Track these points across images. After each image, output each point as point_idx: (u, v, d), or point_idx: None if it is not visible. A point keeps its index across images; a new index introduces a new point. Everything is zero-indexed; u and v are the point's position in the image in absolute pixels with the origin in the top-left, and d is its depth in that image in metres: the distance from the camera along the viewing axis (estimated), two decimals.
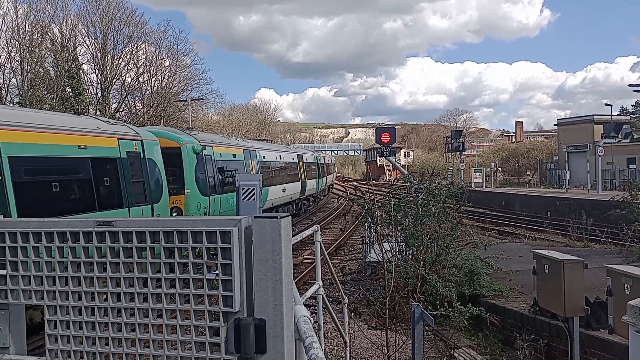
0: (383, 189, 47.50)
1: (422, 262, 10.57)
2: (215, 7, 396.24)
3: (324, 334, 8.09)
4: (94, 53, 40.27)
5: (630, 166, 48.25)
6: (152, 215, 12.91)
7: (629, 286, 6.99)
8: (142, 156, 13.15)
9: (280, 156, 28.08)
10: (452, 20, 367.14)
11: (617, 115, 59.79)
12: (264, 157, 24.41)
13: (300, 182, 30.86)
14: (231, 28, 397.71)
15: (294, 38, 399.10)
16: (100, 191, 11.54)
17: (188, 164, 16.01)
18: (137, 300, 2.16)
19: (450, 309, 9.10)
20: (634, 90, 43.68)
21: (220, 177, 18.13)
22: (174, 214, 14.75)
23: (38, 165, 10.11)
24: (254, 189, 6.56)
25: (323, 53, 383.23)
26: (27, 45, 33.36)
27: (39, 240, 2.23)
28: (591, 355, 8.11)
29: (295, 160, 31.28)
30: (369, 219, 13.15)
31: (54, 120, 11.11)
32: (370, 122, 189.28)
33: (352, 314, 10.96)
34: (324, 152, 74.07)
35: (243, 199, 6.54)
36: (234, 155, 20.46)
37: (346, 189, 56.46)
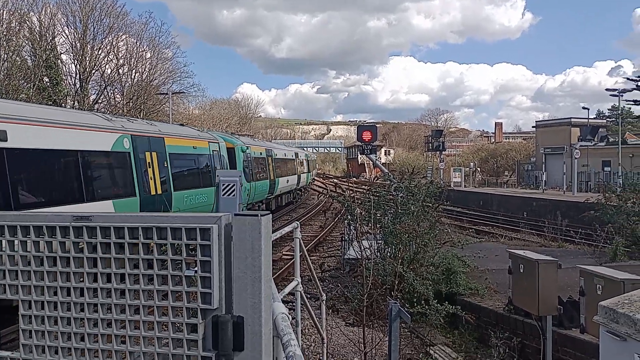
0: (363, 186, 47.69)
1: (400, 260, 10.66)
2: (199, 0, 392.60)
3: (301, 330, 8.12)
4: (73, 43, 39.60)
5: (605, 169, 49.25)
6: None
7: (600, 287, 7.15)
8: (219, 153, 20.32)
9: (285, 154, 35.30)
10: (435, 21, 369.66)
11: (594, 118, 60.91)
12: (276, 154, 31.63)
13: (296, 175, 37.81)
14: (214, 21, 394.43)
15: (277, 33, 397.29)
16: (203, 175, 18.51)
17: (239, 159, 22.97)
18: (114, 296, 2.15)
19: (427, 307, 9.20)
20: (610, 95, 44.60)
21: (256, 170, 25.38)
22: None
23: (179, 159, 16.87)
24: (234, 184, 6.53)
25: (306, 49, 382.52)
26: (4, 33, 32.63)
27: (14, 234, 2.20)
28: (563, 353, 8.29)
29: (293, 157, 38.04)
30: (349, 217, 13.21)
31: (184, 131, 18.76)
32: (352, 119, 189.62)
33: (330, 310, 11.00)
34: (306, 148, 74.10)
35: (223, 195, 6.51)
36: (261, 153, 27.79)
37: (326, 186, 56.53)
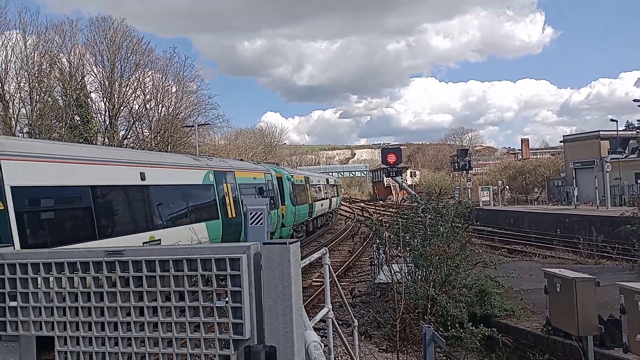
0: (390, 209, 47.36)
1: (432, 283, 10.48)
2: (220, 33, 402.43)
3: (334, 358, 8.01)
4: (102, 81, 40.88)
5: (639, 181, 47.93)
6: (277, 214, 23.44)
7: None
8: (272, 182, 23.72)
9: (319, 180, 39.14)
10: (454, 40, 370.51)
11: (623, 130, 59.56)
12: (312, 181, 35.21)
13: (329, 200, 41.31)
14: (236, 53, 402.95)
15: (298, 62, 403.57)
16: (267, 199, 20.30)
17: (286, 186, 26.21)
18: (147, 329, 2.16)
19: (461, 330, 8.99)
20: (638, 106, 43.65)
21: (299, 195, 28.97)
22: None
23: (246, 188, 19.98)
24: (261, 213, 6.56)
25: (327, 75, 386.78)
26: (36, 75, 33.93)
27: (49, 271, 2.24)
28: None
29: (325, 183, 41.77)
30: (377, 240, 13.10)
31: (246, 165, 22.71)
32: (375, 142, 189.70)
33: (362, 336, 10.84)
34: (331, 173, 74.24)
35: (251, 224, 6.53)
36: (301, 181, 31.37)
37: (353, 210, 56.33)
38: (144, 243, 12.49)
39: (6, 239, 9.05)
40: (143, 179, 13.23)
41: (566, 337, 8.78)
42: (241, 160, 27.58)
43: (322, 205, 36.96)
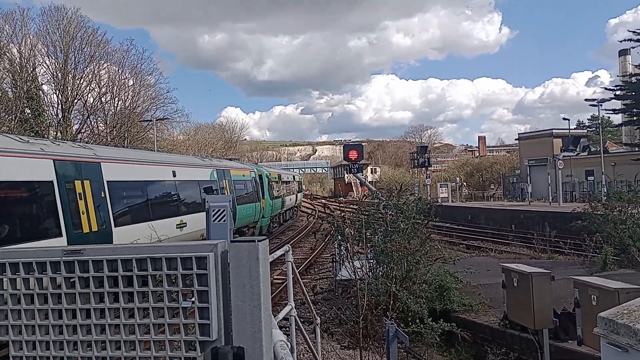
0: (352, 205, 47.68)
1: (393, 279, 10.59)
2: (180, 25, 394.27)
3: (297, 356, 7.98)
4: (55, 73, 39.47)
5: (589, 178, 49.84)
6: (259, 206, 26.94)
7: (595, 297, 7.14)
8: (255, 178, 27.18)
9: (287, 177, 41.92)
10: (415, 38, 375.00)
11: (575, 129, 61.86)
12: (282, 178, 37.91)
13: (295, 195, 44.56)
14: (196, 47, 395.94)
15: (259, 56, 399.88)
16: (250, 194, 25.74)
17: (265, 183, 29.40)
18: (108, 332, 2.07)
19: (422, 326, 9.11)
20: (590, 105, 45.40)
21: (274, 191, 32.41)
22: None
23: (238, 184, 23.94)
24: (224, 210, 6.46)
25: (289, 71, 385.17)
26: None
27: (3, 271, 2.12)
28: None
29: (292, 180, 44.42)
30: (339, 237, 13.13)
31: (237, 164, 26.84)
32: (337, 139, 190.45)
33: (325, 334, 10.86)
34: (292, 169, 74.07)
35: (214, 221, 6.42)
36: (275, 177, 34.37)
37: (314, 207, 56.41)
38: (177, 225, 16.28)
39: (106, 220, 12.80)
40: (174, 176, 17.37)
41: (522, 330, 9.02)
42: (230, 159, 31.84)
43: (290, 199, 40.93)
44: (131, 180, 14.63)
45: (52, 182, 11.17)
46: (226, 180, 22.31)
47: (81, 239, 11.50)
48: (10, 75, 35.46)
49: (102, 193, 12.89)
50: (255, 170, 28.62)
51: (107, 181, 13.11)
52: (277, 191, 33.98)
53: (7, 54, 35.48)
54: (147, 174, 15.49)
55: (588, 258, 16.52)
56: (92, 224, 12.19)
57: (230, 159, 31.61)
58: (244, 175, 25.70)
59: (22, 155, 10.66)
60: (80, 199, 11.99)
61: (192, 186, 18.58)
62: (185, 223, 16.75)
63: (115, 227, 13.05)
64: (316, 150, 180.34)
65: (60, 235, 11.07)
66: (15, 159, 10.37)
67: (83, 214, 11.96)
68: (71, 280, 2.11)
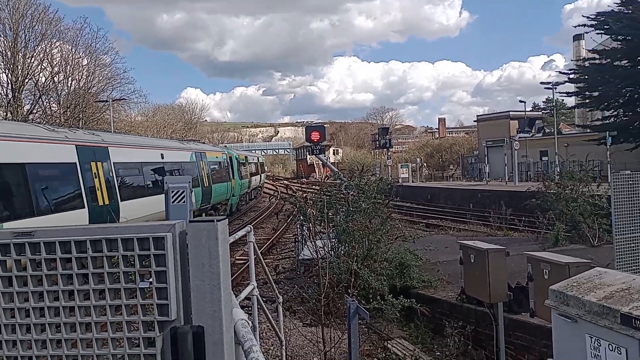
0: (314, 186, 47.80)
1: (354, 258, 10.72)
2: (136, 4, 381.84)
3: (259, 334, 8.02)
4: (4, 52, 37.62)
5: (543, 158, 51.45)
6: (230, 186, 29.62)
7: (547, 271, 7.44)
8: (226, 160, 30.03)
9: (252, 158, 44.63)
10: (377, 21, 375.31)
11: (531, 111, 63.48)
12: (249, 160, 40.58)
13: (259, 175, 46.90)
14: (153, 26, 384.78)
15: (219, 37, 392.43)
16: (223, 175, 28.56)
17: (234, 165, 31.76)
18: (62, 315, 2.03)
19: (382, 302, 9.29)
20: (545, 88, 46.70)
21: (243, 171, 35.04)
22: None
23: (212, 164, 26.59)
24: (184, 191, 6.37)
25: (250, 52, 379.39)
26: None
27: None
28: (515, 337, 8.57)
29: (257, 161, 46.88)
30: (301, 217, 13.18)
31: (210, 147, 30.23)
32: (299, 120, 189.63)
33: (287, 312, 10.95)
34: (254, 151, 73.60)
35: (173, 202, 6.33)
36: (243, 160, 36.85)
37: (277, 188, 56.30)
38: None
39: (115, 195, 15.22)
40: (162, 157, 20.07)
41: (479, 304, 9.33)
42: (204, 143, 35.64)
43: (256, 179, 43.72)
44: (131, 162, 17.22)
45: (75, 163, 13.66)
46: (203, 162, 25.11)
47: (99, 210, 14.10)
48: None
49: (110, 172, 15.44)
50: (226, 152, 31.49)
51: (114, 162, 15.70)
52: (244, 172, 36.42)
53: None
54: (143, 157, 18.34)
55: (541, 235, 17.14)
56: (105, 199, 14.68)
57: (194, 141, 32.74)
58: (217, 157, 28.49)
59: (52, 142, 13.12)
60: (96, 177, 14.49)
61: (176, 167, 21.55)
62: None
63: (121, 201, 15.58)
64: (278, 131, 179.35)
65: (83, 207, 13.60)
66: (47, 144, 12.82)
67: (98, 190, 14.38)
68: (22, 263, 2.05)
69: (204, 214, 26.98)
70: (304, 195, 20.86)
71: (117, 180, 15.56)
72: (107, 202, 14.64)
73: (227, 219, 2.10)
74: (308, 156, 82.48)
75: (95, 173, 14.42)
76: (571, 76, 47.64)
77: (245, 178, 36.07)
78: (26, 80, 38.61)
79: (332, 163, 45.30)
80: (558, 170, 29.92)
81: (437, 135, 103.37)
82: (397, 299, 9.26)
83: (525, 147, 48.51)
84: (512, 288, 8.94)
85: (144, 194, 17.30)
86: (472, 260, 9.13)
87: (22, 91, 38.50)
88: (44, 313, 2.03)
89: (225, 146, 51.04)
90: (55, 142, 13.22)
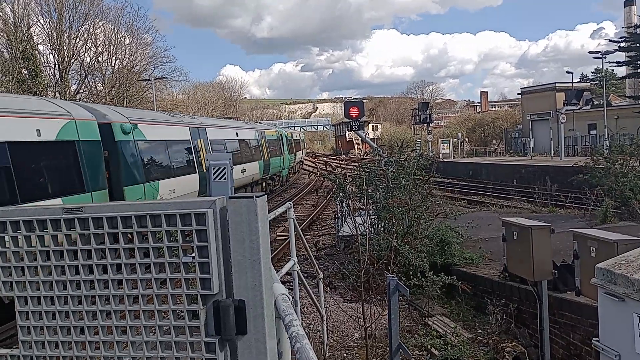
0: (353, 163, 47.70)
1: (394, 234, 10.69)
2: None
3: (300, 310, 8.16)
4: (50, 32, 38.79)
5: (591, 132, 49.60)
6: (282, 159, 33.10)
7: (594, 249, 7.22)
8: (280, 138, 34.34)
9: (295, 136, 48.40)
10: None
11: (578, 82, 61.14)
12: (294, 137, 45.12)
13: (301, 151, 51.38)
14: (192, 4, 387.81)
15: (257, 12, 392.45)
16: (278, 149, 33.49)
17: (284, 142, 36.29)
18: (111, 287, 2.11)
19: (423, 279, 9.27)
20: (594, 57, 44.65)
21: (290, 148, 39.33)
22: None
23: (270, 142, 31.47)
24: (225, 168, 6.46)
25: (288, 27, 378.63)
26: None
27: (4, 229, 2.14)
28: (559, 316, 8.41)
29: (298, 138, 50.56)
30: (341, 194, 13.21)
31: (268, 127, 35.81)
32: (337, 96, 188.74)
33: (328, 288, 11.07)
34: (293, 128, 73.85)
35: (214, 179, 6.44)
36: (290, 137, 40.94)
37: (316, 165, 56.47)
38: (258, 166, 26.78)
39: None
40: (237, 135, 24.84)
41: (522, 282, 9.18)
42: (260, 122, 41.30)
43: (298, 155, 47.58)
44: (219, 139, 21.75)
45: (189, 140, 18.45)
46: (263, 139, 29.59)
47: (203, 175, 17.97)
48: (5, 35, 34.88)
49: (208, 147, 19.96)
50: (278, 131, 36.31)
51: (210, 139, 20.36)
52: (292, 148, 41.02)
53: (1, 13, 34.78)
54: (226, 135, 23.22)
55: (589, 211, 16.63)
56: (205, 167, 18.20)
57: (260, 122, 40.51)
58: (272, 135, 32.82)
59: (177, 124, 18.44)
60: (200, 150, 19.08)
61: (246, 142, 26.07)
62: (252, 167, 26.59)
63: None
64: (317, 108, 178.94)
65: (195, 172, 18.05)
66: (175, 127, 18.19)
67: (202, 159, 18.60)
68: (72, 238, 2.13)
69: (264, 183, 30.96)
70: (343, 172, 20.89)
71: (286, 146, 25.66)
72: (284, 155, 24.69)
73: (265, 196, 2.11)
74: (347, 132, 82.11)
75: (200, 147, 19.19)
76: (622, 44, 45.45)
77: (292, 153, 40.19)
78: (72, 61, 39.76)
79: (371, 139, 45.03)
80: (607, 144, 28.84)
81: (479, 109, 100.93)
82: (438, 276, 9.21)
83: (572, 120, 46.82)
84: (557, 266, 8.74)
85: (289, 152, 27.25)
86: (515, 238, 8.95)
87: (68, 71, 39.70)
88: (94, 286, 2.12)
89: (259, 122, 53.63)
90: (178, 125, 18.46)
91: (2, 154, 9.52)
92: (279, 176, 33.47)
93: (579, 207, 18.42)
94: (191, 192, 17.62)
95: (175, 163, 17.29)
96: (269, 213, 5.30)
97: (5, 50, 34.84)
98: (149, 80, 42.07)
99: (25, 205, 8.44)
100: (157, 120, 17.58)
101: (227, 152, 21.08)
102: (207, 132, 20.36)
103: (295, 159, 43.38)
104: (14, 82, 32.48)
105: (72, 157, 11.74)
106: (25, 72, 34.86)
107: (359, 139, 62.32)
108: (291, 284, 6.61)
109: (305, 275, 10.44)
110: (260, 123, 39.92)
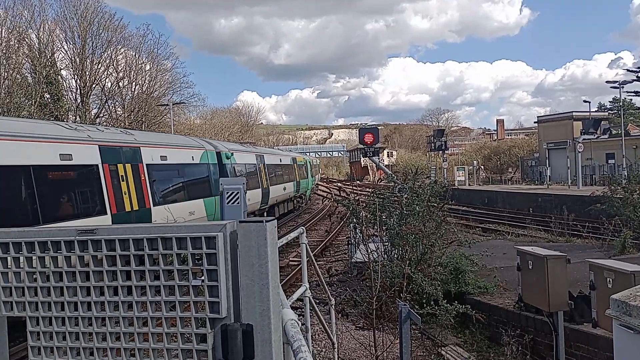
0: (367, 189, 47.57)
1: (407, 261, 10.61)
2: (196, 10, 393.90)
3: (311, 336, 8.07)
4: (73, 58, 39.80)
5: (609, 161, 49.03)
6: (307, 182, 40.83)
7: (611, 280, 7.09)
8: (306, 164, 41.77)
9: (315, 161, 53.18)
10: (433, 21, 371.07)
11: (596, 111, 60.73)
12: (313, 162, 48.99)
13: (318, 175, 55.28)
14: (212, 31, 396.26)
15: (275, 40, 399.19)
16: (305, 173, 41.65)
17: (309, 167, 42.57)
18: (121, 309, 2.13)
19: (436, 307, 9.14)
20: (611, 87, 44.44)
21: (312, 171, 44.93)
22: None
23: (300, 166, 38.45)
24: (238, 192, 6.51)
25: (305, 54, 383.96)
26: (4, 51, 32.82)
27: (19, 250, 2.19)
28: (576, 349, 8.22)
29: (316, 164, 55.55)
30: (354, 220, 13.17)
31: (299, 155, 43.78)
32: (353, 122, 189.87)
33: (339, 315, 10.96)
34: (308, 153, 74.24)
35: (227, 203, 6.49)
36: (311, 162, 45.95)
37: (330, 190, 56.44)
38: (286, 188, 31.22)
39: (268, 184, 25.98)
40: (280, 160, 31.03)
41: (537, 313, 9.00)
42: (290, 151, 48.37)
43: (316, 178, 53.43)
44: (271, 163, 28.36)
45: (255, 164, 25.51)
46: (295, 164, 35.68)
47: (265, 192, 25.49)
48: (30, 60, 35.86)
49: (266, 169, 26.83)
50: (306, 158, 44.21)
51: (267, 164, 27.60)
52: (313, 172, 47.35)
53: (26, 39, 35.82)
54: (273, 160, 29.62)
55: (606, 242, 16.34)
56: (264, 184, 26.23)
57: (253, 144, 44.79)
58: (301, 161, 39.38)
59: (250, 152, 25.31)
60: (261, 171, 26.02)
61: (286, 166, 32.47)
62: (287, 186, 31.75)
63: (270, 186, 27.08)
64: (332, 134, 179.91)
65: (259, 188, 24.86)
66: (249, 154, 25.37)
67: (264, 179, 26.46)
68: (85, 259, 2.17)
69: (295, 199, 36.02)
70: (357, 197, 20.92)
71: (269, 174, 26.98)
72: (265, 186, 25.22)
73: (275, 220, 2.14)
74: (362, 158, 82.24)
75: (262, 169, 25.44)
76: None
77: (313, 176, 47.19)
78: (93, 86, 40.68)
79: (386, 165, 45.05)
80: (625, 173, 28.44)
81: (495, 137, 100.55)
82: (452, 305, 9.08)
83: (590, 149, 46.38)
84: (574, 297, 8.58)
85: (278, 182, 29.07)
86: (530, 267, 8.82)
87: (89, 96, 40.58)
88: (104, 307, 2.14)
89: (273, 147, 56.53)
90: (251, 153, 25.13)
91: (182, 169, 17.12)
92: (305, 195, 40.59)
93: (597, 237, 18.12)
94: (255, 202, 23.89)
95: (250, 179, 22.72)
96: (281, 238, 5.31)
97: (29, 75, 35.76)
98: (167, 105, 42.76)
99: (189, 201, 16.81)
100: (239, 149, 24.92)
101: (278, 174, 29.25)
102: (264, 158, 27.34)
103: (315, 181, 50.90)
104: (36, 105, 33.25)
105: (206, 173, 18.82)
106: (48, 96, 35.69)
107: (374, 165, 62.20)
108: (302, 309, 6.57)
109: (317, 301, 10.37)
110: (290, 151, 46.82)
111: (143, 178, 14.39)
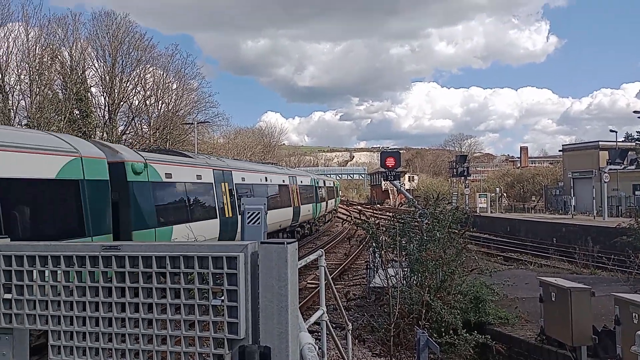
0: (387, 213, 47.31)
1: (427, 288, 10.45)
2: (223, 31, 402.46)
3: None
4: (103, 76, 40.80)
5: (636, 193, 47.99)
6: (333, 202, 46.47)
7: (637, 315, 6.88)
8: (333, 187, 48.53)
9: (331, 183, 52.30)
10: (458, 47, 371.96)
11: (623, 141, 59.69)
12: (327, 183, 48.19)
13: (334, 199, 53.54)
14: (238, 52, 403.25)
15: (300, 62, 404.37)
16: (332, 194, 48.08)
17: (336, 189, 51.21)
18: (141, 326, 2.15)
19: (455, 337, 8.97)
20: (639, 117, 43.77)
21: (329, 194, 44.19)
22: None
23: (329, 188, 44.44)
24: (259, 212, 6.54)
25: (329, 77, 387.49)
26: (37, 67, 33.84)
27: (45, 264, 2.23)
28: None
29: (333, 185, 54.40)
30: (374, 244, 13.07)
31: (327, 179, 49.75)
32: (375, 146, 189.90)
33: (356, 340, 10.81)
34: (329, 175, 74.46)
35: (248, 223, 6.52)
36: (330, 185, 46.87)
37: (350, 213, 56.26)
38: (311, 208, 32.39)
39: (319, 201, 36.05)
40: (317, 183, 35.37)
41: (560, 346, 8.77)
42: (323, 174, 54.59)
43: (335, 201, 53.17)
44: (318, 185, 35.91)
45: (313, 186, 34.81)
46: (324, 187, 39.20)
47: (319, 207, 35.39)
48: (61, 77, 36.87)
49: (317, 190, 35.21)
50: (333, 182, 49.17)
51: (317, 187, 35.58)
52: (331, 195, 48.51)
53: (59, 56, 36.90)
54: (320, 182, 37.05)
55: (632, 275, 15.90)
56: (317, 201, 35.49)
57: (274, 164, 43.92)
58: (330, 184, 44.41)
59: (306, 175, 34.49)
60: (316, 191, 35.26)
61: (320, 188, 36.62)
62: (314, 207, 33.91)
63: (319, 202, 35.29)
64: (354, 156, 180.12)
65: (314, 203, 33.71)
66: (308, 177, 34.30)
67: (321, 198, 36.91)
68: (108, 275, 2.20)
69: (325, 217, 39.89)
70: (377, 221, 20.89)
71: (321, 193, 34.11)
72: (296, 205, 28.21)
73: (297, 242, 2.14)
74: (382, 182, 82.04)
75: (316, 190, 32.88)
76: None
77: (335, 198, 49.88)
78: (121, 103, 41.56)
79: (407, 190, 44.83)
80: None
81: (519, 165, 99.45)
82: (471, 334, 8.90)
83: (616, 179, 45.51)
84: (598, 331, 8.33)
85: (321, 200, 35.42)
86: (554, 299, 8.62)
87: (117, 113, 41.45)
88: (124, 324, 2.16)
89: (294, 168, 58.52)
90: (284, 175, 27.86)
91: (256, 188, 21.42)
92: (331, 213, 45.66)
93: (623, 270, 17.63)
94: (287, 219, 26.71)
95: (305, 198, 30.32)
96: (300, 260, 5.29)
97: (60, 91, 36.75)
98: (192, 124, 43.40)
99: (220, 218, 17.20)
100: (277, 172, 27.87)
101: (310, 195, 32.17)
102: (296, 180, 30.02)
103: (336, 203, 53.88)
104: (65, 121, 34.07)
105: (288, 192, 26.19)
106: (77, 112, 36.57)
107: (395, 189, 61.99)
108: (319, 333, 6.51)
109: (334, 325, 10.27)
110: (320, 175, 49.52)
111: (234, 194, 18.62)
